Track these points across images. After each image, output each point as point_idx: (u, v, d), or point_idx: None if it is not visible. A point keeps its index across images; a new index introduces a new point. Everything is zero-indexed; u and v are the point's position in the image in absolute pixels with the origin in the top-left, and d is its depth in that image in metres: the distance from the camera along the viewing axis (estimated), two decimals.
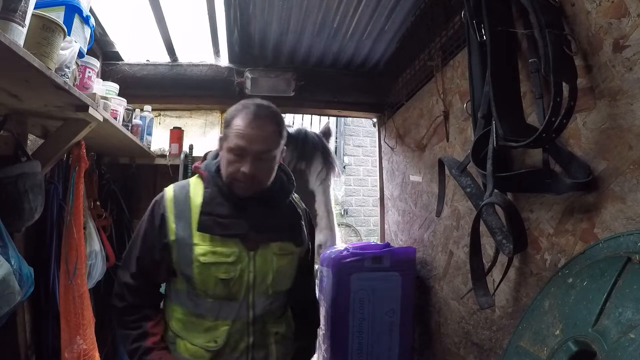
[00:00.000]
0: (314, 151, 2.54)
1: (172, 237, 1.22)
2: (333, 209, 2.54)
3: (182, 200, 1.26)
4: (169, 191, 1.30)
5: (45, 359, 1.54)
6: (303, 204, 1.48)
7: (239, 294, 1.22)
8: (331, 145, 2.72)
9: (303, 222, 1.41)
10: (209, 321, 1.21)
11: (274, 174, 1.28)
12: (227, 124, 1.25)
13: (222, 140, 1.27)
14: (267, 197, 1.30)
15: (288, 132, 1.38)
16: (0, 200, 1.23)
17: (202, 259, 1.19)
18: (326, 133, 2.74)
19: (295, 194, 1.44)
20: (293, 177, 1.41)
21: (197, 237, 1.21)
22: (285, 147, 1.33)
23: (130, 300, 1.25)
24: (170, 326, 1.26)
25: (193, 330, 1.22)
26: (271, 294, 1.27)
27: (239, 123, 1.21)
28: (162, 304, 1.34)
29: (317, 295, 1.53)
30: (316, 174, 2.51)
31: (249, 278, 1.23)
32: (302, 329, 1.44)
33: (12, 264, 1.11)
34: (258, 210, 1.28)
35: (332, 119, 6.29)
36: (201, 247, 1.20)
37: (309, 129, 2.71)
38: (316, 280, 3.00)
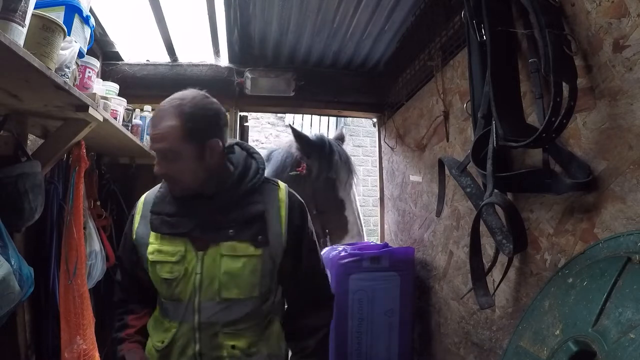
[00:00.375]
0: (339, 160, 2.58)
1: (134, 236, 1.23)
2: (361, 215, 2.64)
3: (149, 201, 1.25)
4: (145, 193, 1.31)
5: (45, 359, 1.54)
6: (288, 196, 1.25)
7: (183, 296, 1.14)
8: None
9: (272, 218, 1.20)
10: (166, 322, 1.19)
11: (196, 173, 1.14)
12: None
13: None
14: (213, 194, 1.18)
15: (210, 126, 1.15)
16: (0, 200, 1.23)
17: (150, 257, 1.17)
18: (340, 138, 2.78)
19: (279, 183, 1.27)
20: (261, 163, 1.26)
21: (152, 236, 1.19)
22: (219, 142, 1.15)
23: (119, 296, 1.30)
24: (148, 323, 1.28)
25: (157, 329, 1.22)
26: (220, 300, 1.14)
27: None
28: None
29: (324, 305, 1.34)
30: (344, 182, 2.57)
31: (194, 280, 1.14)
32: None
33: (12, 264, 1.11)
34: (205, 208, 1.18)
35: (332, 119, 6.30)
36: (151, 245, 1.18)
37: (326, 135, 2.75)
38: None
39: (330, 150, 2.62)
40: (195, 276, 1.14)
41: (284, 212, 1.22)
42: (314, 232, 1.30)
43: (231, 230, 1.15)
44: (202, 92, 1.19)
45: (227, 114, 2.85)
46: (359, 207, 2.68)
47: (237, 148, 1.27)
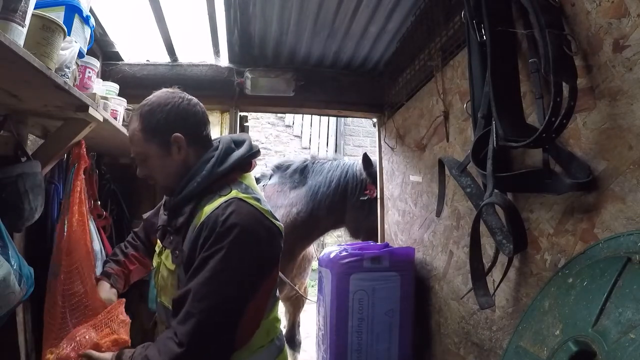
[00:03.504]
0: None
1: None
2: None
3: None
4: None
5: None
6: (213, 210, 1.04)
7: (157, 288, 1.23)
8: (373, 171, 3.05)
9: (190, 232, 1.08)
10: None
11: (165, 169, 1.14)
12: None
13: None
14: (171, 200, 1.16)
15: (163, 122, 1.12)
16: (0, 200, 1.23)
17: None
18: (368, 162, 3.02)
19: (225, 194, 1.08)
20: (206, 171, 1.11)
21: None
22: (181, 136, 1.11)
23: (131, 236, 1.56)
24: None
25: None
26: (159, 302, 1.19)
27: None
28: None
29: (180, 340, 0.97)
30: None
31: (157, 275, 1.22)
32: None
33: (12, 264, 1.11)
34: (167, 211, 1.19)
35: (332, 119, 6.31)
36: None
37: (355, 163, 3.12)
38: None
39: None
40: (158, 272, 1.21)
41: (197, 225, 1.05)
42: (216, 262, 0.98)
43: (171, 238, 1.15)
44: (173, 89, 1.18)
45: (226, 112, 2.86)
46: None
47: (223, 144, 1.18)
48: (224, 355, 1.01)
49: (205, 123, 1.20)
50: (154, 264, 1.26)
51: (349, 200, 2.98)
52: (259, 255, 1.04)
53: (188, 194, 1.10)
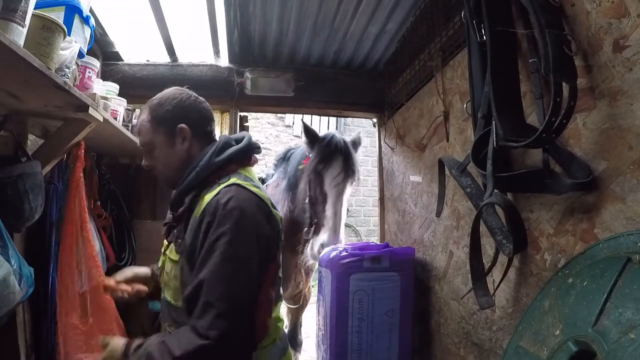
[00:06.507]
0: (334, 155, 2.55)
1: None
2: (343, 213, 2.50)
3: None
4: None
5: (44, 359, 1.54)
6: (213, 197, 1.06)
7: (161, 286, 1.22)
8: (358, 154, 2.69)
9: (191, 222, 1.08)
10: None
11: (169, 159, 1.17)
12: None
13: None
14: (175, 193, 1.19)
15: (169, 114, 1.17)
16: (0, 200, 1.23)
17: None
18: (355, 142, 2.73)
19: (224, 182, 1.09)
20: (204, 161, 1.13)
21: None
22: (186, 127, 1.15)
23: None
24: None
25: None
26: (163, 299, 1.17)
27: None
28: None
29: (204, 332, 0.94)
30: (332, 177, 2.52)
31: (163, 274, 1.20)
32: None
33: (12, 264, 1.11)
34: (170, 206, 1.21)
35: (332, 119, 6.31)
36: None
37: (339, 134, 2.70)
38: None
39: (327, 145, 2.56)
40: (163, 271, 1.20)
41: (198, 214, 1.06)
42: (220, 246, 0.99)
43: (175, 230, 1.18)
44: (182, 88, 1.24)
45: (226, 112, 2.83)
46: (345, 208, 2.55)
47: (221, 139, 1.20)
48: (248, 343, 1.00)
49: (209, 119, 1.24)
50: (159, 263, 1.26)
51: (293, 170, 2.72)
52: (262, 237, 1.05)
53: (188, 184, 1.14)
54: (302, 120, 2.85)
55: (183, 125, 1.17)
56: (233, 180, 1.10)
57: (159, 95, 1.22)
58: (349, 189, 2.57)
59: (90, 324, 1.53)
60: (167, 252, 1.19)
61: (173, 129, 1.16)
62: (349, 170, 2.55)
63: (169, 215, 1.22)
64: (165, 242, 1.24)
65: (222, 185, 1.08)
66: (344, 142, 2.62)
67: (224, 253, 0.97)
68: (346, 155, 2.57)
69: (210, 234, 1.00)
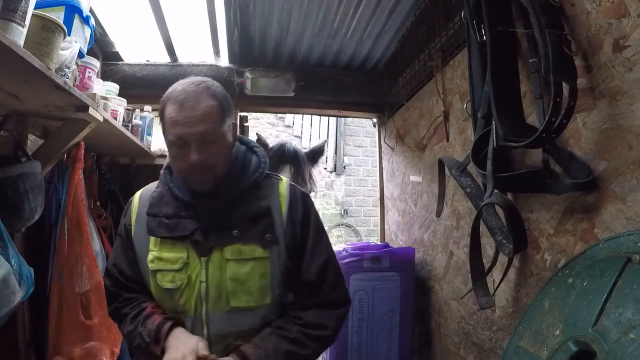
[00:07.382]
0: (281, 165, 2.48)
1: (134, 244, 1.11)
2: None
3: (144, 202, 1.13)
4: (138, 194, 1.18)
5: (44, 359, 1.54)
6: (289, 190, 1.14)
7: (188, 307, 1.03)
8: (322, 160, 2.55)
9: (276, 214, 1.09)
10: None
11: (228, 156, 1.08)
12: (161, 117, 1.06)
13: (164, 136, 1.08)
14: (217, 190, 1.07)
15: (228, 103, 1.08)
16: (0, 200, 1.23)
17: (150, 265, 1.06)
18: (316, 151, 2.64)
19: (281, 177, 1.18)
20: (262, 157, 1.16)
21: (151, 242, 1.08)
22: (235, 123, 1.11)
23: (124, 296, 1.14)
24: None
25: None
26: (229, 310, 1.03)
27: (170, 110, 1.02)
28: None
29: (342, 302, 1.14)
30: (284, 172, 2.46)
31: (200, 289, 1.03)
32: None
33: (12, 264, 1.11)
34: (208, 207, 1.08)
35: (332, 119, 6.30)
36: (151, 252, 1.07)
37: (293, 143, 2.61)
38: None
39: (275, 154, 2.35)
40: (200, 285, 1.03)
41: (284, 207, 1.11)
42: (321, 228, 1.16)
43: (235, 231, 1.05)
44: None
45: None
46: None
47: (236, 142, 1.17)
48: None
49: None
50: (201, 276, 1.04)
51: None
52: None
53: (253, 180, 1.11)
54: (257, 134, 2.74)
55: (234, 121, 1.11)
56: (282, 177, 1.21)
57: (212, 82, 1.07)
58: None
59: (94, 323, 1.53)
60: (229, 256, 1.04)
61: (230, 122, 1.07)
62: (297, 180, 2.45)
63: (187, 223, 1.06)
64: (194, 251, 1.05)
65: (284, 180, 1.18)
66: (295, 151, 2.54)
67: (325, 233, 1.18)
68: (296, 166, 2.48)
69: (312, 220, 1.14)
